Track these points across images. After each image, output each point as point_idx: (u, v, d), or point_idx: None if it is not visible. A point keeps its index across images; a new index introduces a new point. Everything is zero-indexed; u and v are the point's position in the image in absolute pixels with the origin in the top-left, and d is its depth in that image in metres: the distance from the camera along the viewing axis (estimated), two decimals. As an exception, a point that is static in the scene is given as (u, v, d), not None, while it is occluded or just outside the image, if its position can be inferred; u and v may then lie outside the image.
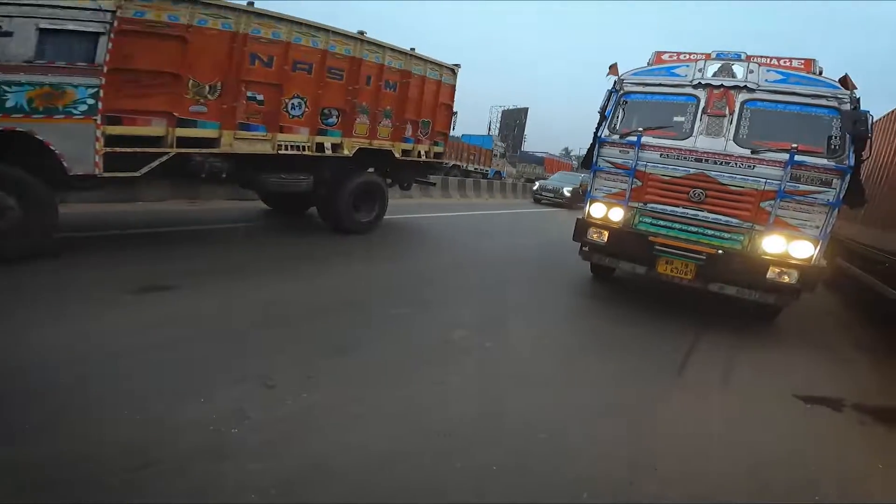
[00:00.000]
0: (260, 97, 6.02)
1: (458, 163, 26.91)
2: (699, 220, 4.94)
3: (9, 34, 4.09)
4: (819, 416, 3.55)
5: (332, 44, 6.58)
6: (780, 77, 4.77)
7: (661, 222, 5.12)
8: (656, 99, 5.33)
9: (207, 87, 5.48)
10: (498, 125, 53.86)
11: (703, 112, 4.97)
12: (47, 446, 2.16)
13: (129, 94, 4.91)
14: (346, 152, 7.20)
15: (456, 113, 9.33)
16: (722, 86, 4.93)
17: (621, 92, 5.47)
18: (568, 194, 18.78)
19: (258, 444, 2.37)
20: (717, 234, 4.88)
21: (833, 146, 4.52)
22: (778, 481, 2.65)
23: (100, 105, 4.64)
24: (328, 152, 6.97)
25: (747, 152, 4.73)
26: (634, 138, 5.16)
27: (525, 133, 56.09)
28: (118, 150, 4.90)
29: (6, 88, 4.13)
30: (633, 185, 5.23)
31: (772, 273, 4.63)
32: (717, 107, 4.92)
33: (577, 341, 4.62)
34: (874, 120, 4.58)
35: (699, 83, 5.03)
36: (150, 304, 3.97)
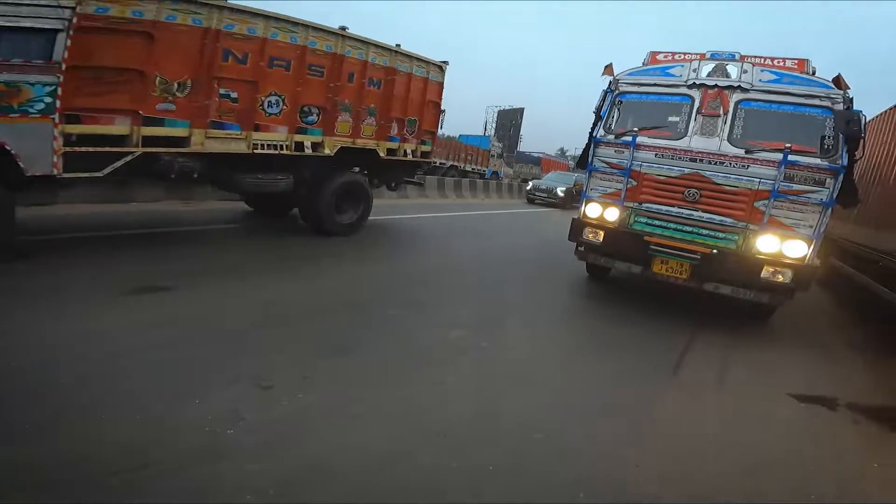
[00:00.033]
0: (234, 95, 5.82)
1: (456, 163, 26.79)
2: (694, 219, 4.95)
3: None
4: (814, 415, 3.56)
5: (313, 40, 6.41)
6: (773, 77, 4.80)
7: (657, 222, 5.13)
8: (651, 99, 5.34)
9: (176, 85, 5.28)
10: (494, 125, 53.93)
11: (698, 112, 4.99)
12: (43, 447, 2.15)
13: (91, 91, 4.74)
14: (327, 151, 7.00)
15: (444, 111, 9.17)
16: (716, 86, 4.95)
17: (616, 92, 5.48)
18: (561, 194, 18.63)
19: (255, 445, 2.37)
20: (712, 233, 4.89)
21: (826, 146, 4.55)
22: (773, 480, 2.66)
23: (58, 103, 4.47)
24: (308, 151, 6.78)
25: (741, 152, 4.75)
26: (630, 138, 5.17)
27: (521, 133, 56.22)
28: (78, 149, 4.72)
29: None
30: (629, 185, 5.24)
31: (766, 272, 4.65)
32: (712, 107, 4.94)
33: (573, 341, 4.64)
34: (867, 120, 4.61)
35: (694, 83, 5.05)
36: (146, 305, 3.96)
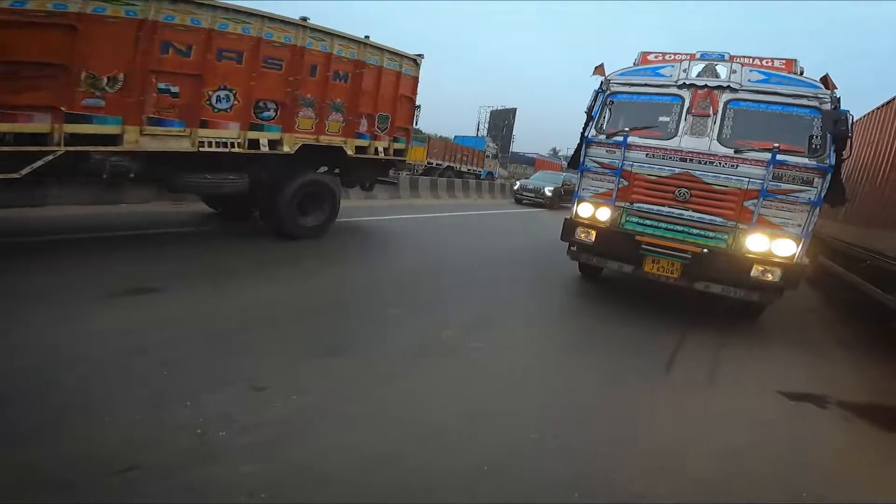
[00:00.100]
0: (175, 89, 5.43)
1: (452, 164, 27.14)
2: (685, 219, 4.98)
3: None
4: (804, 413, 3.59)
5: (269, 31, 6.03)
6: (762, 77, 4.84)
7: (648, 222, 5.16)
8: (642, 99, 5.37)
9: (106, 80, 4.90)
10: (486, 125, 54.00)
11: (688, 112, 5.02)
12: (29, 447, 2.14)
13: (6, 88, 4.43)
14: (286, 149, 6.58)
15: (419, 107, 8.82)
16: (706, 86, 4.98)
17: (608, 92, 5.50)
18: (549, 194, 18.35)
19: (247, 447, 2.35)
20: (702, 233, 4.93)
21: (814, 145, 4.59)
22: (764, 478, 2.67)
23: None
24: (265, 149, 6.38)
25: (731, 152, 4.79)
26: (621, 138, 5.19)
27: (513, 133, 56.32)
28: None
29: None
30: (620, 185, 5.26)
31: (755, 271, 4.69)
32: (702, 107, 4.97)
33: (566, 340, 4.65)
34: (854, 119, 4.66)
35: (684, 83, 5.08)
36: (136, 307, 3.92)
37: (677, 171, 4.98)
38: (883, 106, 6.78)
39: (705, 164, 4.86)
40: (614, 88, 5.48)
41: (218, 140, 5.91)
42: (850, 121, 4.49)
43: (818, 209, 4.64)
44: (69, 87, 4.72)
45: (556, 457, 2.61)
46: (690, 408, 3.43)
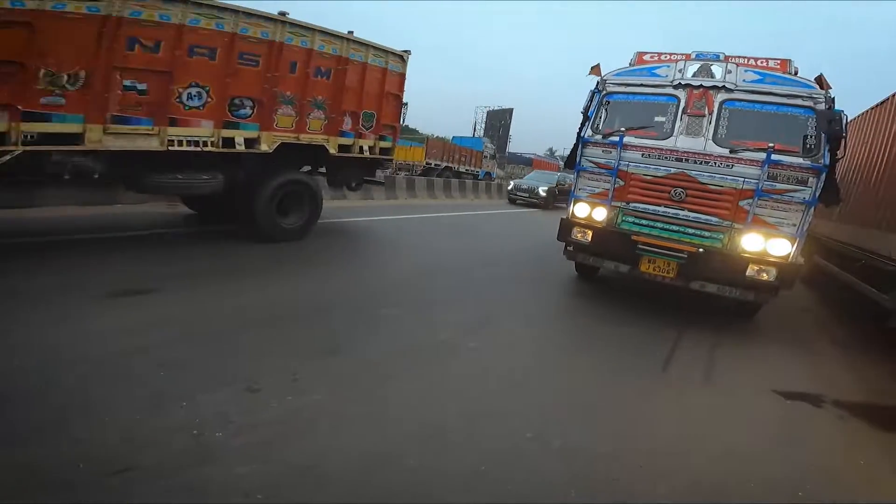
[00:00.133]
0: (142, 86, 5.22)
1: (450, 164, 27.34)
2: (680, 219, 4.99)
3: None
4: (799, 412, 3.61)
5: (244, 26, 5.82)
6: (757, 77, 4.86)
7: (644, 221, 5.17)
8: (638, 99, 5.39)
9: (66, 77, 4.72)
10: (483, 125, 54.05)
11: (684, 112, 5.04)
12: (33, 448, 2.15)
13: None
14: (264, 148, 6.36)
15: (406, 104, 8.57)
16: (701, 86, 5.00)
17: (604, 92, 5.51)
18: (543, 194, 18.17)
19: (243, 448, 2.35)
20: (698, 232, 4.94)
21: (809, 145, 4.61)
22: (760, 477, 2.68)
23: None
24: (241, 148, 6.15)
25: (726, 152, 4.80)
26: (617, 138, 5.20)
27: (510, 133, 56.39)
28: None
29: None
30: (616, 185, 5.27)
31: (751, 270, 4.70)
32: (697, 107, 4.99)
33: (563, 340, 4.66)
34: (849, 119, 4.69)
35: (679, 83, 5.09)
36: (132, 308, 3.90)
37: (673, 170, 4.99)
38: (877, 106, 6.82)
39: (701, 163, 4.88)
40: (610, 88, 5.49)
41: (189, 139, 5.70)
42: (844, 121, 4.52)
43: (813, 209, 4.66)
44: (26, 85, 4.57)
45: (553, 456, 2.62)
46: (688, 407, 3.44)
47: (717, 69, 4.97)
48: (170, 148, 5.53)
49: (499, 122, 55.61)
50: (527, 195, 18.55)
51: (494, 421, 2.89)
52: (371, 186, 13.11)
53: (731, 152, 4.78)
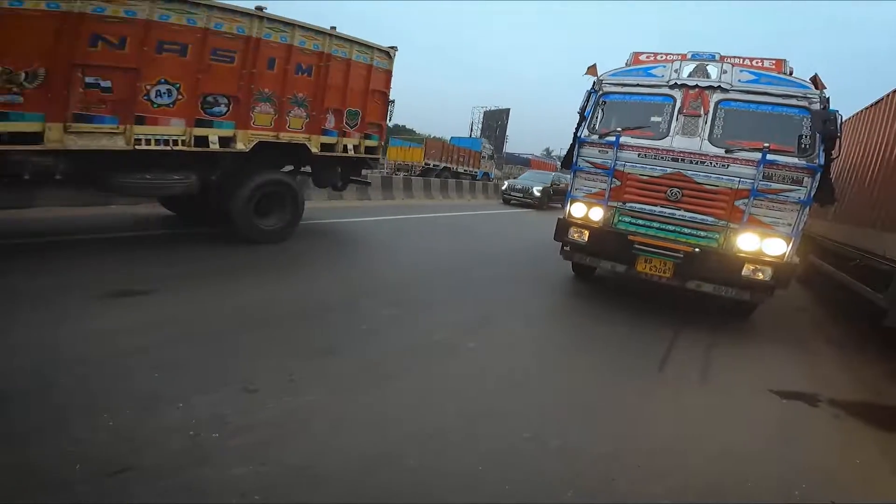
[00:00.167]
0: (106, 83, 5.03)
1: (449, 165, 27.55)
2: (676, 218, 5.01)
3: None
4: (795, 411, 3.62)
5: (218, 22, 5.64)
6: (752, 77, 4.88)
7: (640, 221, 5.18)
8: (634, 99, 5.40)
9: (24, 74, 4.57)
10: (479, 126, 54.10)
11: (679, 112, 5.05)
12: (31, 449, 2.14)
13: None
14: (240, 147, 6.15)
15: (392, 101, 8.37)
16: (697, 86, 5.01)
17: (600, 92, 5.52)
18: (538, 194, 17.97)
19: (240, 449, 2.34)
20: (694, 232, 4.95)
21: (804, 145, 4.63)
22: (757, 477, 2.68)
23: None
24: (215, 147, 5.94)
25: (721, 152, 4.82)
26: (613, 138, 5.21)
27: (507, 134, 56.44)
28: None
29: None
30: (613, 185, 5.28)
31: (747, 270, 4.72)
32: (693, 107, 5.00)
33: (561, 340, 4.67)
34: (843, 119, 4.71)
35: (675, 83, 5.10)
36: (127, 309, 3.89)
37: (669, 170, 5.00)
38: (872, 106, 6.85)
39: (697, 163, 4.89)
40: (606, 89, 5.50)
41: (158, 137, 5.50)
42: (839, 120, 4.53)
43: (808, 208, 4.68)
44: None
45: (550, 456, 2.62)
46: (684, 407, 3.45)
47: (712, 69, 4.99)
48: (136, 147, 5.34)
49: (496, 122, 55.67)
50: (521, 195, 18.40)
51: (492, 421, 2.89)
52: (368, 187, 13.06)
53: (726, 152, 4.80)
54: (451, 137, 36.04)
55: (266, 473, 2.19)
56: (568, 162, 5.80)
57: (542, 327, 4.93)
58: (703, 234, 4.93)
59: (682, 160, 4.94)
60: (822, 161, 4.54)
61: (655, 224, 5.10)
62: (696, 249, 4.88)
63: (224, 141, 6.06)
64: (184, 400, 2.65)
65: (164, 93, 5.45)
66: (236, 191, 6.28)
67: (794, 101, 4.70)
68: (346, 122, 7.47)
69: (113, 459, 2.14)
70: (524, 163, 44.71)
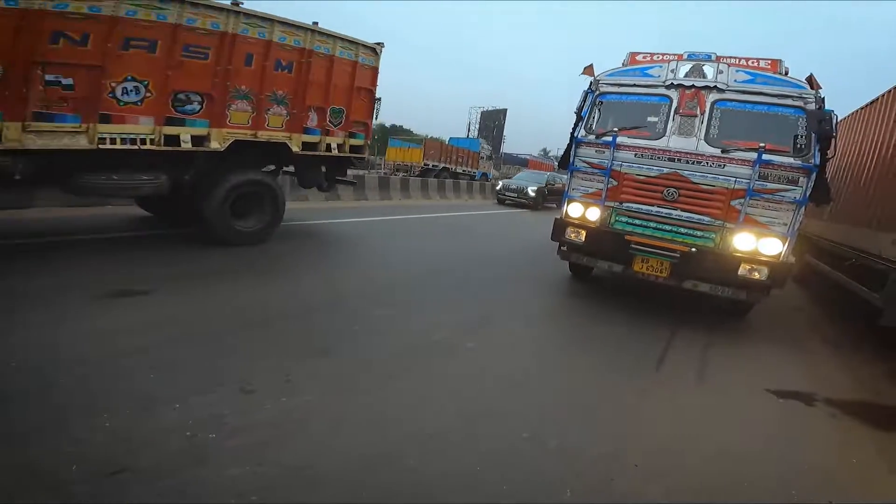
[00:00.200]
0: (68, 81, 4.86)
1: (448, 165, 27.75)
2: (673, 218, 5.02)
3: None
4: (792, 410, 3.63)
5: (190, 17, 5.46)
6: (748, 77, 4.90)
7: (637, 221, 5.19)
8: (631, 99, 5.41)
9: None
10: (477, 126, 54.14)
11: (676, 112, 5.07)
12: (29, 449, 2.14)
13: None
14: (215, 146, 5.94)
15: (379, 99, 8.12)
16: (693, 86, 5.03)
17: (597, 92, 5.53)
18: (532, 194, 17.81)
19: (237, 449, 2.33)
20: (691, 232, 4.97)
21: (799, 145, 4.65)
22: (754, 476, 2.69)
23: None
24: (187, 146, 5.73)
25: (718, 151, 4.83)
26: (610, 138, 5.22)
27: (504, 134, 56.50)
28: None
29: None
30: (609, 185, 5.29)
31: (743, 270, 4.73)
32: (689, 107, 5.02)
33: (558, 340, 4.68)
34: (838, 119, 4.73)
35: (671, 83, 5.12)
36: (125, 309, 3.89)
37: (665, 170, 5.02)
38: (867, 105, 6.88)
39: (693, 163, 4.90)
40: (603, 89, 5.51)
41: (125, 136, 5.27)
42: (834, 120, 4.56)
43: (803, 208, 4.69)
44: None
45: (549, 456, 2.62)
46: (681, 407, 3.46)
47: (708, 69, 5.00)
48: (100, 146, 5.12)
49: (493, 122, 55.73)
50: (515, 195, 18.23)
51: (491, 421, 2.89)
52: (366, 187, 13.05)
53: (722, 152, 4.81)
54: (450, 138, 36.15)
55: (263, 474, 2.19)
56: (565, 162, 5.81)
57: (539, 327, 4.93)
58: (699, 233, 4.94)
59: (679, 160, 4.95)
60: (818, 161, 4.56)
61: (652, 224, 5.11)
62: (693, 249, 4.89)
63: (197, 140, 5.87)
64: (181, 400, 2.65)
65: (132, 90, 5.25)
66: (211, 191, 6.09)
67: (789, 101, 4.72)
68: (330, 121, 7.30)
69: (111, 460, 2.13)
70: (522, 163, 44.85)
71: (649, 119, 5.26)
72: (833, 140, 4.60)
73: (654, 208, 5.09)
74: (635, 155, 5.17)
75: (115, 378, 2.83)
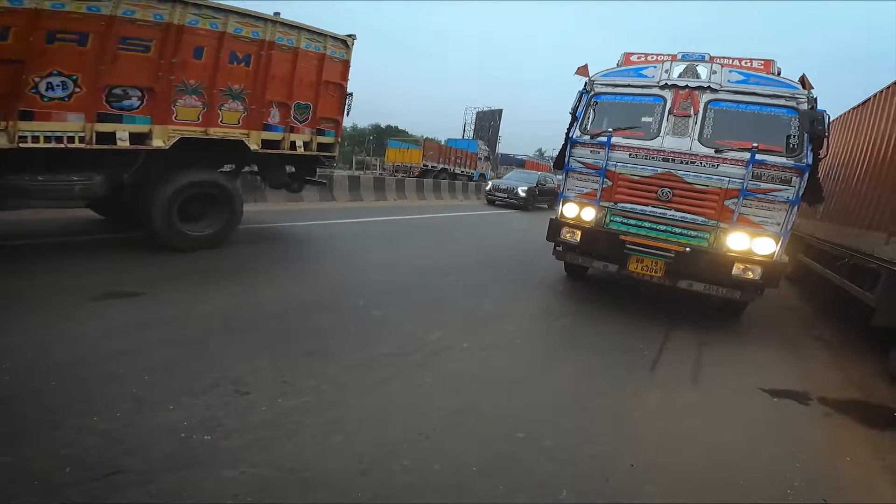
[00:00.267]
0: None
1: (446, 166, 28.02)
2: (667, 218, 5.04)
3: None
4: (786, 409, 3.65)
5: (128, 9, 5.09)
6: (741, 77, 4.92)
7: (632, 221, 5.21)
8: (625, 100, 5.43)
9: None
10: (472, 127, 54.16)
11: (670, 112, 5.09)
12: (23, 452, 2.13)
13: None
14: (157, 143, 5.54)
15: (350, 94, 7.64)
16: (687, 86, 5.05)
17: (592, 93, 5.55)
18: (523, 194, 17.36)
19: (232, 451, 2.33)
20: (685, 232, 4.99)
21: (792, 145, 4.68)
22: (749, 475, 2.71)
23: None
24: (124, 144, 5.32)
25: (711, 152, 4.85)
26: (604, 138, 5.24)
27: (500, 134, 56.53)
28: None
29: None
30: (604, 185, 5.31)
31: (737, 269, 4.76)
32: (683, 107, 5.04)
33: (553, 340, 4.67)
34: (831, 119, 4.76)
35: (665, 84, 5.14)
36: (118, 311, 3.86)
37: (660, 170, 5.04)
38: (859, 105, 6.93)
39: (687, 163, 4.93)
40: (598, 89, 5.53)
41: (49, 134, 4.91)
42: (826, 120, 4.59)
43: (796, 208, 4.72)
44: None
45: (544, 456, 2.62)
46: (676, 406, 3.47)
47: (702, 70, 5.03)
48: (21, 145, 4.75)
49: (488, 123, 55.72)
50: (505, 195, 17.82)
51: (486, 421, 2.89)
52: (361, 188, 13.01)
53: (716, 152, 4.83)
54: (447, 139, 36.23)
55: (258, 475, 2.18)
56: (560, 162, 5.82)
57: (534, 327, 4.94)
58: (693, 233, 4.96)
59: (673, 160, 4.97)
60: (810, 160, 4.59)
61: (647, 224, 5.13)
62: (687, 249, 4.91)
63: (137, 137, 5.46)
64: (175, 402, 2.64)
65: (58, 85, 4.90)
66: (157, 192, 5.69)
67: (782, 102, 4.75)
68: (294, 117, 6.90)
69: (104, 462, 2.13)
70: (519, 164, 44.89)
71: (643, 119, 5.28)
72: (826, 140, 4.63)
73: (649, 208, 5.11)
74: (630, 155, 5.19)
75: (108, 380, 2.81)
